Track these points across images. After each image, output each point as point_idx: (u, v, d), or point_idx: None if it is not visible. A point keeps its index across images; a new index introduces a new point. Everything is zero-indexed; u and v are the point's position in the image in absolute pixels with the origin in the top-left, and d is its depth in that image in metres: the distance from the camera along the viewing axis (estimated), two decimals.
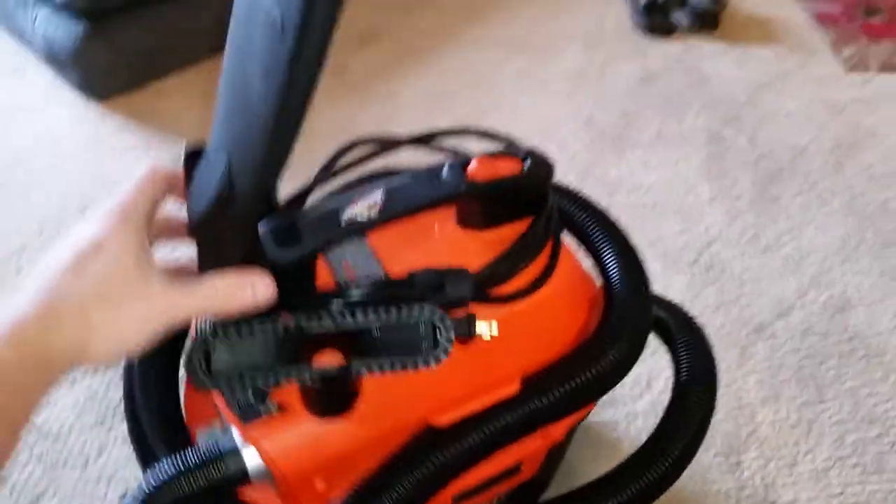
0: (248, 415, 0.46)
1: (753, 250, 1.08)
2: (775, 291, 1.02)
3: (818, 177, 1.21)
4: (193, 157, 0.41)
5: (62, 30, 1.31)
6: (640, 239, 1.12)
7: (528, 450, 0.58)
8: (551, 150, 0.60)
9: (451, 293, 0.45)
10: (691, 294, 1.01)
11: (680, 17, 1.52)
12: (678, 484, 0.82)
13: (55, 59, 1.35)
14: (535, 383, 0.52)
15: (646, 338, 0.55)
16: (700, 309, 0.99)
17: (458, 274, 0.46)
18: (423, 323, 0.42)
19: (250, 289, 0.40)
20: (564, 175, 1.14)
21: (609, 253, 0.59)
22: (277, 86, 0.32)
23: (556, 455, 0.67)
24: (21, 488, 0.82)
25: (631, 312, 0.55)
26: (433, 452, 0.49)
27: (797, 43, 1.52)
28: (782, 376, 0.92)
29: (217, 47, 1.46)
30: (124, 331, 0.37)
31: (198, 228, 0.40)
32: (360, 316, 0.41)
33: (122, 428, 0.81)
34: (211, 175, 0.38)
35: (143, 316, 0.38)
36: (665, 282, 1.03)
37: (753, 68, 1.44)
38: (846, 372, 0.93)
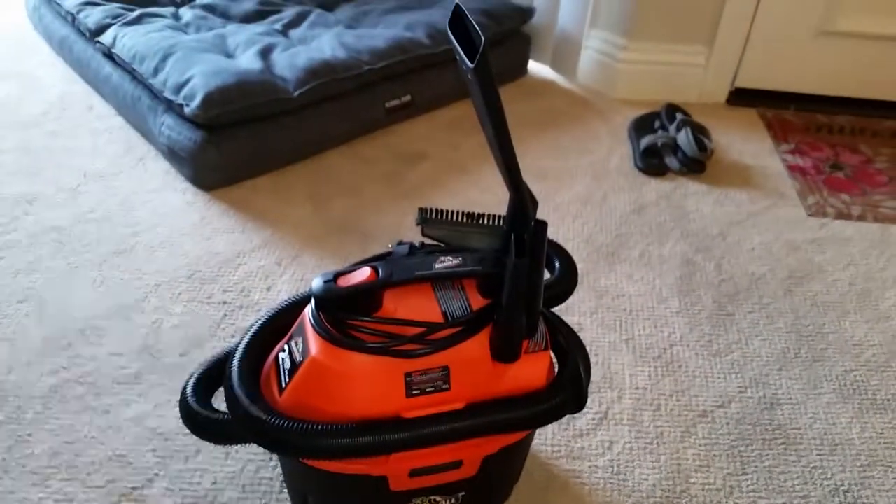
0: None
1: (707, 353, 1.37)
2: (720, 387, 1.30)
3: (769, 300, 1.50)
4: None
5: (183, 135, 1.68)
6: (617, 336, 1.42)
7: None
8: None
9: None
10: (652, 382, 1.30)
11: (672, 161, 1.86)
12: None
13: (174, 155, 1.72)
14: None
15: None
16: (657, 394, 1.28)
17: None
18: None
19: None
20: None
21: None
22: None
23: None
24: None
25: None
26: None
27: (770, 189, 1.84)
28: (715, 452, 1.19)
29: (294, 159, 1.84)
30: None
31: None
32: None
33: None
34: None
35: None
36: (632, 370, 1.32)
37: (729, 207, 1.77)
38: (767, 454, 1.20)
